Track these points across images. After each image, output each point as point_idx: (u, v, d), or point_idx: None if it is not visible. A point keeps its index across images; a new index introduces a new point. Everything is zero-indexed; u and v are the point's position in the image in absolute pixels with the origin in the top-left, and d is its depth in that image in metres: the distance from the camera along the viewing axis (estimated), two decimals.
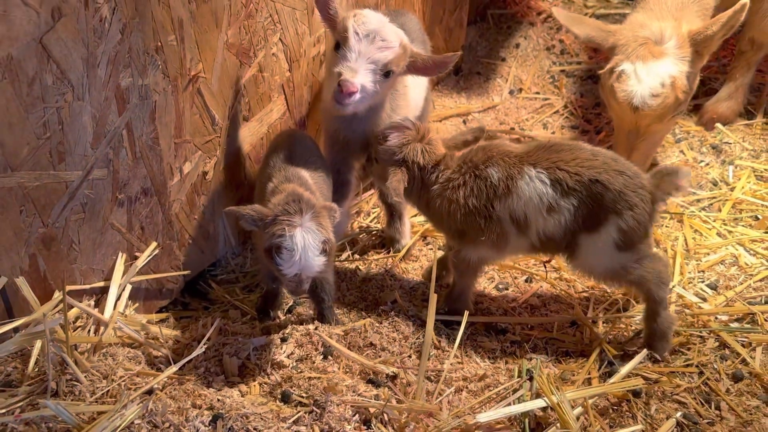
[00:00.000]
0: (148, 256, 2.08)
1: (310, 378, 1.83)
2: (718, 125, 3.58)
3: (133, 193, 1.99)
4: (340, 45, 2.09)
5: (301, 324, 2.10)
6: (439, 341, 2.15)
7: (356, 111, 2.15)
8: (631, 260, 2.08)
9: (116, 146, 1.88)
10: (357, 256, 2.69)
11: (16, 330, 1.72)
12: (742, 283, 2.57)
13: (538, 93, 3.91)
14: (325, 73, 2.40)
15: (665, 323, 2.17)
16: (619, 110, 2.88)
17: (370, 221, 2.90)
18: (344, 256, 2.67)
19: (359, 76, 2.02)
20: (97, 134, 1.81)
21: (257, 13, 2.24)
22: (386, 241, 2.74)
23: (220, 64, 2.15)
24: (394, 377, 1.93)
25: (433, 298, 1.91)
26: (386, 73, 2.11)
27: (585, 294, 2.50)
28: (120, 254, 2.02)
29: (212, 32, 2.08)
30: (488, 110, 3.75)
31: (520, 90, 3.91)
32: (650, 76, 2.75)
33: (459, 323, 2.14)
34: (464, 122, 3.62)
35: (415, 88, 2.55)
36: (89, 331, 1.87)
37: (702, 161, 3.35)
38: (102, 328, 1.88)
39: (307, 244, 1.76)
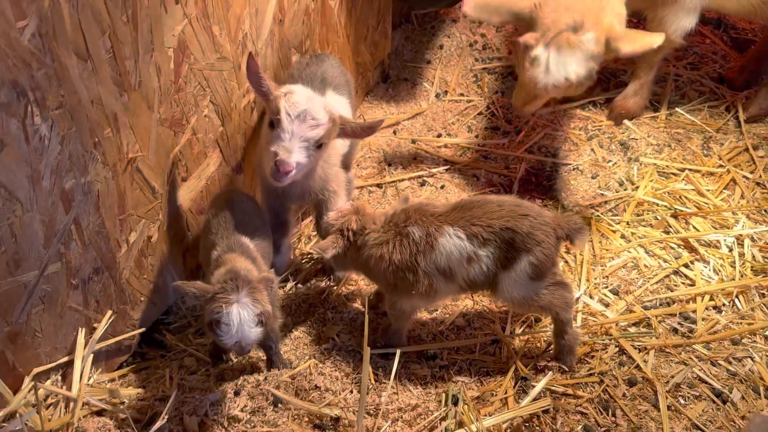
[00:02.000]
0: (105, 326, 2.27)
1: None
2: (626, 122, 3.89)
3: (86, 275, 2.16)
4: (273, 124, 2.26)
5: (252, 373, 2.35)
6: (377, 375, 2.43)
7: (294, 180, 2.34)
8: (542, 287, 2.38)
9: (66, 241, 2.04)
10: (300, 286, 2.93)
11: None
12: (640, 287, 2.92)
13: (462, 94, 4.11)
14: (261, 139, 2.56)
15: (571, 339, 2.50)
16: (525, 81, 3.04)
17: (311, 247, 3.12)
18: (288, 287, 2.90)
19: (294, 155, 2.22)
20: (47, 236, 1.97)
21: (186, 85, 2.37)
22: (326, 269, 2.97)
23: (155, 139, 2.29)
24: (337, 419, 2.21)
25: (367, 353, 2.16)
26: (319, 146, 2.31)
27: (504, 308, 2.81)
28: (80, 329, 2.21)
29: (145, 114, 2.21)
30: (416, 117, 3.94)
31: (446, 92, 4.11)
32: (558, 68, 2.87)
33: (394, 354, 2.42)
34: (394, 133, 3.82)
35: None
36: (60, 407, 2.08)
37: (610, 161, 3.65)
38: (72, 404, 2.08)
39: (243, 319, 1.99)
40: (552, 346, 2.59)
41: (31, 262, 1.94)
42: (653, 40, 2.85)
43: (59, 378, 2.17)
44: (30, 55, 1.73)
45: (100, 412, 2.18)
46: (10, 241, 1.85)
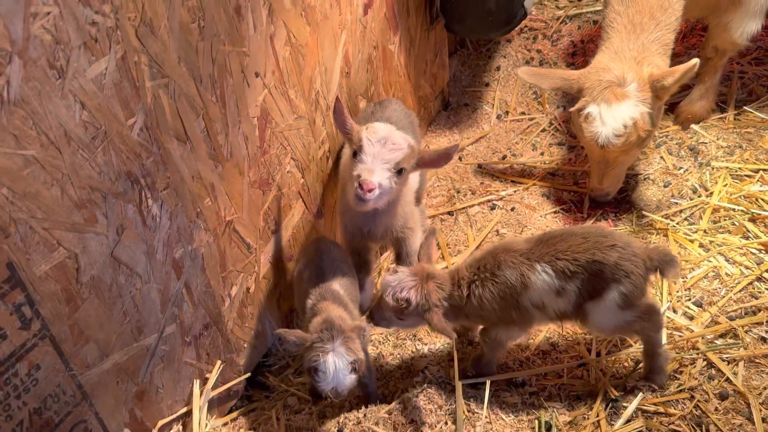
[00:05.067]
0: (216, 375, 2.47)
1: None
2: (693, 126, 3.87)
3: (197, 331, 2.37)
4: (356, 153, 2.41)
5: (351, 410, 2.50)
6: (468, 405, 2.54)
7: (376, 206, 2.46)
8: (633, 315, 2.40)
9: (179, 303, 2.24)
10: None
11: None
12: (723, 297, 2.92)
13: (523, 113, 4.19)
14: (343, 179, 2.74)
15: (662, 359, 2.52)
16: (588, 145, 3.23)
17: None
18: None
19: (376, 175, 2.33)
20: (163, 301, 2.18)
21: (270, 148, 2.56)
22: None
23: (247, 201, 2.49)
24: None
25: (459, 387, 2.28)
26: (399, 171, 2.43)
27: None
28: (194, 381, 2.41)
29: (237, 180, 2.41)
30: (480, 140, 4.04)
31: (507, 113, 4.19)
32: (613, 118, 3.10)
33: (484, 384, 2.52)
34: (460, 159, 3.93)
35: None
36: None
37: (681, 167, 3.65)
38: None
39: (338, 367, 2.16)
40: (640, 366, 2.62)
41: (151, 327, 2.15)
42: (691, 63, 2.99)
43: (180, 427, 2.38)
44: (140, 147, 1.94)
45: None
46: (133, 311, 2.07)
